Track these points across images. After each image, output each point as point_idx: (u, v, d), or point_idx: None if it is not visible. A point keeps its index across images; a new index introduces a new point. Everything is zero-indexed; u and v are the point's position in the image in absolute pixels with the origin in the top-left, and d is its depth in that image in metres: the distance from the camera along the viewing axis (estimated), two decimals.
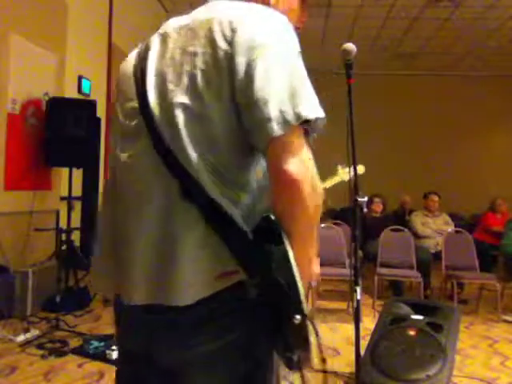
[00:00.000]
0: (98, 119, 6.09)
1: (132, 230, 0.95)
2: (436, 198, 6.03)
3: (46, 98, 4.82)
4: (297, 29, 1.01)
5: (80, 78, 5.90)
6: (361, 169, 3.46)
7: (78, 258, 4.58)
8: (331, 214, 8.38)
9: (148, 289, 0.92)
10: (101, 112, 6.22)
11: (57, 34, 5.18)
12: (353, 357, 2.52)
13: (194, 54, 0.91)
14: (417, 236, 5.70)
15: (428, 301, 4.71)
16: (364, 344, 2.80)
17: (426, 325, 2.89)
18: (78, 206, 5.92)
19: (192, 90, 0.90)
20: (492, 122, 11.88)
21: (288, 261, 0.85)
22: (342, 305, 4.97)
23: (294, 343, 0.89)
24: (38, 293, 4.14)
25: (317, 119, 0.90)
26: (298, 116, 0.85)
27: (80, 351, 3.21)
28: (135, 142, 0.97)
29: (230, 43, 0.88)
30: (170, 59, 0.95)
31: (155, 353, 0.95)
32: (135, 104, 0.97)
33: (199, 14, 0.99)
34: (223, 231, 0.88)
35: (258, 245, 0.87)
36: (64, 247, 4.57)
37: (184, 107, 0.90)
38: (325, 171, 3.47)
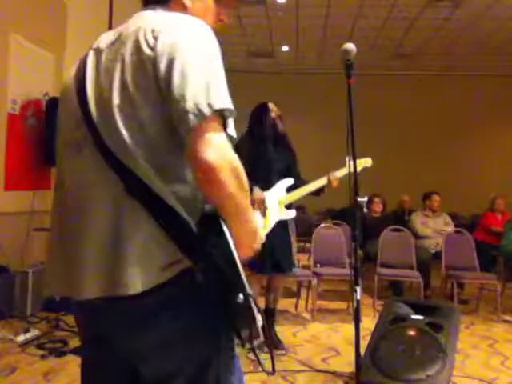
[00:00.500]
0: None
1: (81, 230, 1.01)
2: (438, 198, 6.03)
3: (46, 98, 4.82)
4: (214, 28, 1.09)
5: None
6: (368, 161, 3.47)
7: None
8: (331, 214, 8.39)
9: (98, 283, 0.97)
10: None
11: (56, 34, 5.18)
12: (353, 357, 2.52)
13: (123, 62, 1.01)
14: (417, 236, 5.70)
15: (428, 301, 4.71)
16: (364, 344, 2.80)
17: (426, 325, 2.89)
18: None
19: (125, 94, 0.99)
20: (492, 122, 11.88)
21: (227, 244, 0.94)
22: (342, 305, 4.97)
23: (241, 321, 0.97)
24: (38, 293, 4.13)
25: (227, 109, 0.97)
26: (210, 107, 0.93)
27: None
28: (81, 148, 1.05)
29: (153, 49, 0.98)
30: (103, 70, 1.05)
31: (114, 340, 1.03)
32: (79, 114, 1.06)
33: (128, 26, 1.10)
34: (168, 225, 0.95)
35: (200, 233, 0.95)
36: None
37: (120, 111, 0.99)
38: (329, 171, 3.48)
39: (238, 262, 0.94)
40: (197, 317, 0.98)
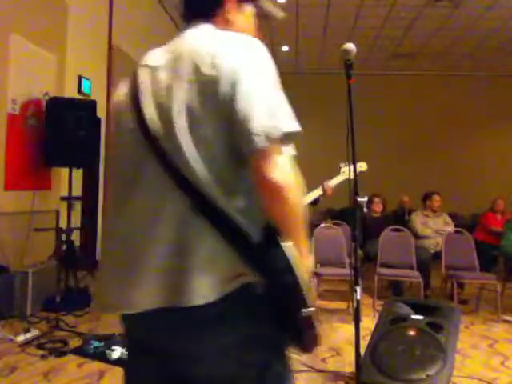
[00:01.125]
0: (98, 119, 6.08)
1: (146, 245, 1.03)
2: (438, 198, 6.03)
3: (46, 98, 4.82)
4: None
5: (80, 78, 5.90)
6: (363, 166, 3.46)
7: (78, 258, 4.58)
8: (331, 214, 8.38)
9: (161, 294, 0.99)
10: (101, 112, 6.22)
11: (57, 34, 5.18)
12: (353, 357, 2.53)
13: (183, 82, 1.03)
14: (417, 236, 5.69)
15: (428, 301, 4.71)
16: (364, 344, 2.79)
17: (426, 325, 2.88)
18: (78, 206, 5.92)
19: (187, 114, 1.01)
20: (492, 122, 11.87)
21: (289, 261, 0.96)
22: (342, 305, 4.97)
23: (304, 333, 1.03)
24: (38, 293, 4.14)
25: (294, 132, 1.01)
26: (276, 130, 0.97)
27: (80, 351, 3.21)
28: (144, 166, 1.06)
29: (215, 71, 1.00)
30: (162, 90, 1.06)
31: (171, 349, 1.04)
32: (137, 133, 1.07)
33: (182, 45, 1.11)
34: (232, 239, 0.99)
35: (262, 248, 0.98)
36: (64, 247, 4.57)
37: (184, 131, 1.01)
38: (329, 170, 3.49)
39: (301, 277, 0.97)
40: (255, 329, 1.01)
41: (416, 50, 10.84)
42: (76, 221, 5.69)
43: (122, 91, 1.19)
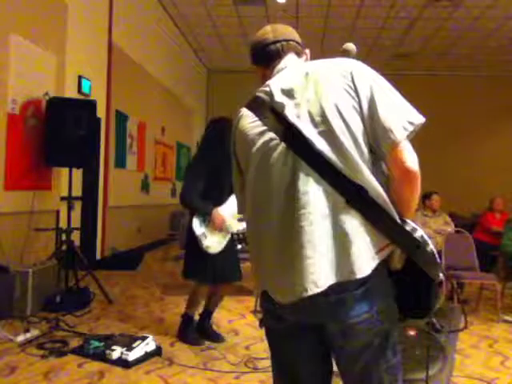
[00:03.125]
0: (98, 119, 6.09)
1: (314, 234, 1.24)
2: (438, 198, 6.02)
3: (46, 98, 4.82)
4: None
5: (80, 77, 5.90)
6: None
7: (78, 258, 4.58)
8: None
9: (335, 272, 1.22)
10: (101, 112, 6.22)
11: (57, 34, 5.18)
12: None
13: (332, 99, 1.27)
14: None
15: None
16: None
17: (426, 325, 2.89)
18: (78, 206, 5.92)
19: (344, 125, 1.25)
20: (492, 122, 11.88)
21: (423, 235, 1.24)
22: None
23: (435, 295, 1.31)
24: (38, 293, 4.13)
25: (421, 123, 1.26)
26: (410, 124, 1.23)
27: (80, 351, 3.21)
28: (292, 172, 1.28)
29: (354, 87, 1.27)
30: (308, 106, 1.29)
31: (328, 324, 1.28)
32: (284, 146, 1.29)
33: (304, 68, 1.37)
34: (379, 220, 1.23)
35: (401, 226, 1.23)
36: (64, 247, 4.57)
37: (339, 134, 1.24)
38: None
39: (434, 249, 1.26)
40: (390, 300, 1.29)
41: (416, 50, 10.85)
42: (76, 221, 5.70)
43: (246, 125, 1.40)
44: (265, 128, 1.34)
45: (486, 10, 8.52)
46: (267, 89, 1.39)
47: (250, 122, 1.39)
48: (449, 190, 8.39)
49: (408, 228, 1.24)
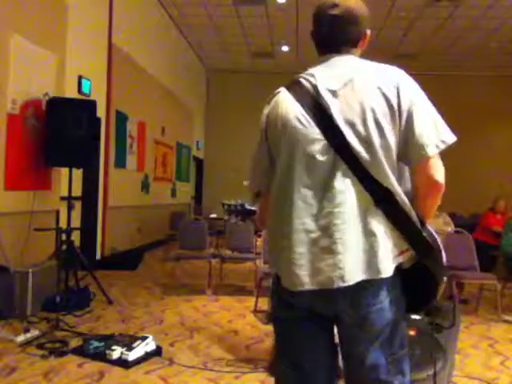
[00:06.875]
0: (98, 119, 6.09)
1: (344, 232, 1.31)
2: None
3: (46, 98, 4.81)
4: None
5: (80, 77, 5.90)
6: None
7: (78, 258, 4.58)
8: None
9: (363, 270, 1.30)
10: (101, 112, 6.22)
11: (57, 34, 5.18)
12: None
13: (373, 106, 1.31)
14: None
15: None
16: None
17: (426, 325, 2.88)
18: (78, 206, 5.92)
19: (378, 129, 1.30)
20: (492, 122, 11.88)
21: (438, 241, 1.38)
22: None
23: (436, 296, 1.39)
24: (38, 293, 4.13)
25: (452, 143, 1.33)
26: (443, 142, 1.31)
27: (80, 351, 3.21)
28: (330, 170, 1.33)
29: (397, 99, 1.32)
30: (350, 110, 1.33)
31: (345, 312, 1.35)
32: (325, 143, 1.34)
33: (350, 72, 1.37)
34: (402, 224, 1.32)
35: (420, 232, 1.33)
36: (64, 247, 4.57)
37: (375, 141, 1.30)
38: None
39: (444, 255, 1.38)
40: (398, 294, 1.36)
41: (416, 50, 10.84)
42: (76, 221, 5.70)
43: (291, 105, 1.40)
44: (308, 118, 1.36)
45: (486, 10, 8.52)
46: (312, 80, 1.40)
47: (289, 105, 1.41)
48: (449, 189, 8.37)
49: (425, 234, 1.34)
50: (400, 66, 1.44)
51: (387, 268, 1.30)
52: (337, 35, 1.44)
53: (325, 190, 1.34)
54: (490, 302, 4.96)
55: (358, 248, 1.30)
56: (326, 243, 1.33)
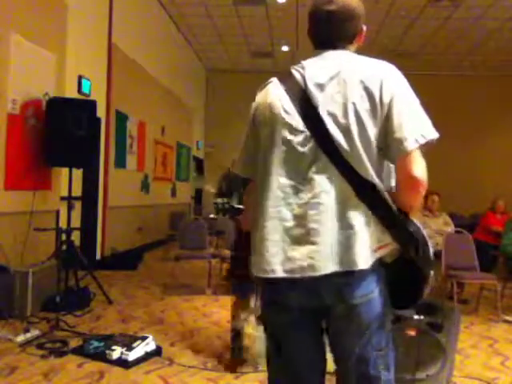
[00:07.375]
0: (98, 119, 6.09)
1: (319, 223, 1.31)
2: (436, 198, 6.01)
3: (46, 98, 4.82)
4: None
5: (80, 77, 5.90)
6: None
7: (78, 258, 4.58)
8: None
9: (336, 261, 1.30)
10: (101, 112, 6.22)
11: (57, 34, 5.18)
12: None
13: (354, 100, 1.31)
14: None
15: (428, 301, 4.70)
16: None
17: (426, 325, 2.88)
18: (78, 205, 5.92)
19: (359, 122, 1.30)
20: (492, 122, 11.87)
21: (424, 235, 1.34)
22: None
23: (424, 290, 1.36)
24: (38, 293, 4.13)
25: (434, 138, 1.31)
26: (423, 137, 1.28)
27: (80, 351, 3.21)
28: (311, 162, 1.34)
29: (379, 92, 1.31)
30: (333, 103, 1.33)
31: (332, 305, 1.36)
32: (307, 134, 1.35)
33: (339, 65, 1.37)
34: (384, 217, 1.31)
35: (403, 225, 1.32)
36: (64, 247, 4.57)
37: (355, 133, 1.30)
38: None
39: (431, 247, 1.36)
40: (382, 288, 1.36)
41: (416, 50, 10.84)
42: (76, 221, 5.70)
43: (275, 95, 1.43)
44: (293, 109, 1.38)
45: (486, 10, 8.52)
46: (302, 72, 1.41)
47: (277, 95, 1.42)
48: (449, 190, 8.38)
49: (411, 228, 1.32)
50: (400, 65, 1.43)
51: (363, 261, 1.29)
52: (333, 31, 1.44)
53: (304, 181, 1.35)
54: (490, 301, 4.96)
55: (333, 239, 1.30)
56: (299, 232, 1.33)
